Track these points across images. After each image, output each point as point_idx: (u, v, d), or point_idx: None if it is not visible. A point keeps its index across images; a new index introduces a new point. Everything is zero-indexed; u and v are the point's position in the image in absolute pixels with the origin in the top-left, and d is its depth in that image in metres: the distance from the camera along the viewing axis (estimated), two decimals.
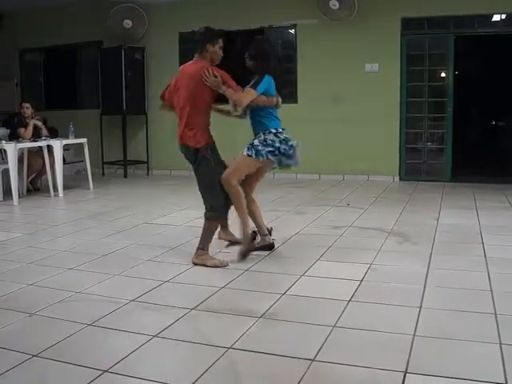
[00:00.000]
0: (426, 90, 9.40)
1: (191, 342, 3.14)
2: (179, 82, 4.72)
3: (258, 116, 4.74)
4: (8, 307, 3.73)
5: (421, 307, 3.57)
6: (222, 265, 4.60)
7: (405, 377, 2.65)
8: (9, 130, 8.94)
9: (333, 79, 9.70)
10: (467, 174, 9.42)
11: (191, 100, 4.63)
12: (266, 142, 4.64)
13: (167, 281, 4.23)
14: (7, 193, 8.01)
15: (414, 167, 9.63)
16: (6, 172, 7.93)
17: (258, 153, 4.63)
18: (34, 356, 2.97)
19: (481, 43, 11.65)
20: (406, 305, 3.62)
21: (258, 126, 4.75)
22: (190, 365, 2.91)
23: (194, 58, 4.73)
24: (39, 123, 8.80)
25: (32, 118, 8.77)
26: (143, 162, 11.26)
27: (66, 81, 11.80)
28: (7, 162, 7.89)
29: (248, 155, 4.66)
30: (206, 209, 4.75)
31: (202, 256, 4.66)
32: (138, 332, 3.26)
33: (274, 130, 4.68)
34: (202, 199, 4.80)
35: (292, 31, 10.16)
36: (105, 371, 2.78)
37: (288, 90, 9.82)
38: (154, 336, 3.19)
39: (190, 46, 10.85)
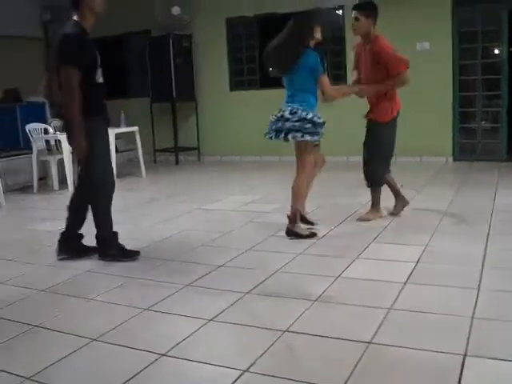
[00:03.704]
0: (479, 68, 9.14)
1: (247, 325, 3.15)
2: None
3: None
4: (67, 293, 3.82)
5: (479, 289, 3.49)
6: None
7: (464, 360, 2.60)
8: (63, 121, 9.12)
9: None
10: None
11: None
12: None
13: (221, 265, 4.25)
14: (62, 182, 8.18)
15: (468, 147, 9.40)
16: (61, 162, 8.11)
17: None
18: (93, 340, 3.03)
19: None
20: (463, 286, 3.55)
21: None
22: (247, 348, 2.92)
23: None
24: None
25: None
26: (194, 149, 11.33)
27: (115, 71, 11.92)
28: (62, 153, 8.06)
29: None
30: None
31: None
32: (193, 316, 3.30)
33: None
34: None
35: (340, 12, 10.01)
36: (162, 355, 2.82)
37: (337, 72, 9.72)
38: (209, 320, 3.22)
39: (238, 30, 10.87)
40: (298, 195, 4.90)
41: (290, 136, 4.71)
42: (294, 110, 4.70)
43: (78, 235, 4.67)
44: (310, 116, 4.68)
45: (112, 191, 4.55)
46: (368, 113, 5.35)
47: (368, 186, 5.51)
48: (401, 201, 5.65)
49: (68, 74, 4.14)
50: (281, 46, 4.76)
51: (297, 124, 4.67)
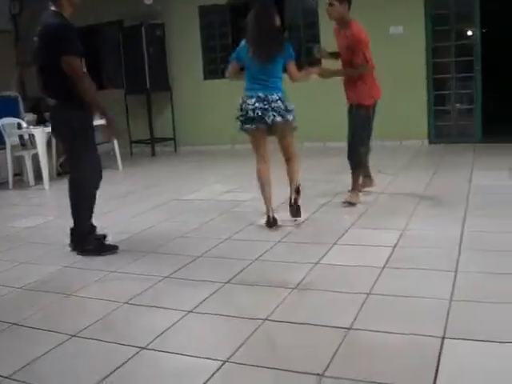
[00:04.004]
0: (452, 50, 9.17)
1: (226, 315, 3.15)
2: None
3: None
4: (45, 289, 3.79)
5: (456, 271, 3.52)
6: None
7: (443, 342, 2.62)
8: (36, 116, 9.02)
9: None
10: (498, 134, 9.16)
11: None
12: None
13: (200, 256, 4.24)
14: (38, 177, 8.10)
15: (444, 129, 9.44)
16: (36, 156, 8.01)
17: None
18: (72, 336, 3.01)
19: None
20: (441, 269, 3.58)
21: None
22: (227, 338, 2.92)
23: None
24: None
25: None
26: (170, 139, 11.26)
27: (88, 62, 11.80)
28: (36, 147, 7.97)
29: None
30: None
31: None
32: (173, 308, 3.29)
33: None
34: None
35: None
36: (142, 348, 2.81)
37: (311, 58, 9.70)
38: (189, 311, 3.21)
39: (211, 18, 10.79)
40: (298, 174, 5.06)
41: (288, 116, 4.74)
42: (277, 97, 4.71)
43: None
44: (289, 104, 4.79)
45: (99, 182, 4.59)
46: (348, 99, 5.57)
47: (351, 169, 5.58)
48: (367, 181, 5.89)
49: (72, 63, 4.15)
50: (268, 35, 4.70)
51: (282, 108, 4.73)
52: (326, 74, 5.52)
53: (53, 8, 4.28)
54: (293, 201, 4.99)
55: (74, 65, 4.15)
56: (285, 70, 4.83)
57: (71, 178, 4.52)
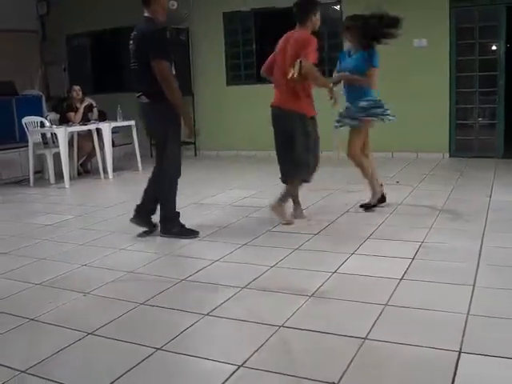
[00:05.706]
0: (476, 64, 9.13)
1: (243, 320, 3.15)
2: (281, 50, 5.02)
3: None
4: (63, 287, 3.82)
5: (474, 285, 3.50)
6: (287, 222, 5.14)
7: (459, 356, 2.60)
8: (58, 115, 9.10)
9: (380, 55, 9.46)
10: None
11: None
12: None
13: (217, 260, 4.25)
14: (59, 176, 8.17)
15: (465, 143, 9.38)
16: (57, 155, 8.09)
17: None
18: (88, 334, 3.03)
19: None
20: (459, 283, 3.55)
21: None
22: (242, 343, 2.93)
23: (297, 28, 5.04)
24: (91, 101, 8.99)
25: (81, 101, 8.90)
26: (191, 143, 11.31)
27: (112, 65, 11.89)
28: (58, 146, 8.04)
29: None
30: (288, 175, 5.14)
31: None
32: (189, 311, 3.30)
33: None
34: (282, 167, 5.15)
35: (337, 7, 9.99)
36: (158, 349, 2.82)
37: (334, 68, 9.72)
38: (205, 315, 3.22)
39: (234, 25, 10.86)
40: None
41: None
42: None
43: (151, 209, 5.04)
44: None
45: (180, 171, 5.01)
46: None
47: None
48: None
49: (161, 67, 4.53)
50: None
51: None
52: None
53: (146, 14, 4.64)
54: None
55: (163, 68, 4.53)
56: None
57: (163, 168, 4.91)
